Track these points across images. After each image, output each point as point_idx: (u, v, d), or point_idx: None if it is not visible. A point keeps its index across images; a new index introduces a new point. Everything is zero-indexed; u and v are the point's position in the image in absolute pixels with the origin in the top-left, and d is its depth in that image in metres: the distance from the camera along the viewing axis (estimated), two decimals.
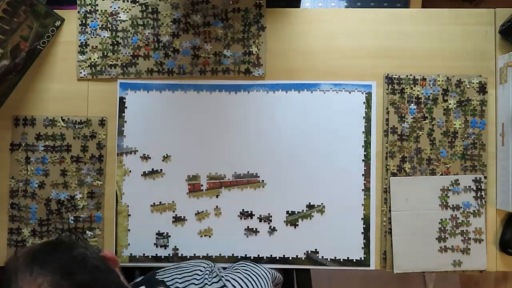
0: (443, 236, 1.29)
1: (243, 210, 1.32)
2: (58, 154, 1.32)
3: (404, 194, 1.30)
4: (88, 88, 1.34)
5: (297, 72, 1.34)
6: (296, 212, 1.31)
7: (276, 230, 1.31)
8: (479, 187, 1.30)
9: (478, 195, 1.30)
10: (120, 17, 1.33)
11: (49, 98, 1.34)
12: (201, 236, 1.32)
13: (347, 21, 1.35)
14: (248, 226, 1.31)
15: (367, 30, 1.35)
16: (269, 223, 1.31)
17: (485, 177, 1.31)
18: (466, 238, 1.29)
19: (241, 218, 1.32)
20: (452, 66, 1.34)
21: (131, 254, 1.31)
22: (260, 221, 1.31)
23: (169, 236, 1.31)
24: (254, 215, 1.31)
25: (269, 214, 1.32)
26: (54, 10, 1.32)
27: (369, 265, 1.31)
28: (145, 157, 1.32)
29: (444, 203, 1.30)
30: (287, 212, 1.31)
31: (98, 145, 1.32)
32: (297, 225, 1.31)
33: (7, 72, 1.28)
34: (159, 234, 1.32)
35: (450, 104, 1.31)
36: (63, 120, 1.32)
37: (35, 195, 1.31)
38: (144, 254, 1.31)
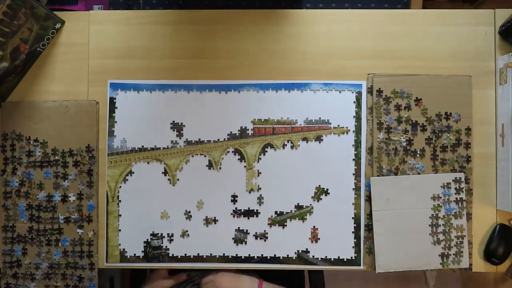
0: (426, 235, 1.28)
1: (236, 208, 1.32)
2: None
3: (385, 194, 1.28)
4: (88, 90, 1.36)
5: (296, 73, 1.33)
6: (284, 213, 1.31)
7: (266, 230, 1.31)
8: (459, 187, 1.29)
9: (459, 198, 1.29)
10: None
11: (48, 99, 1.36)
12: (193, 236, 1.32)
13: (348, 22, 1.35)
14: (239, 227, 1.31)
15: (368, 31, 1.34)
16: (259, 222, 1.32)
17: (467, 178, 1.30)
18: (449, 237, 1.28)
19: (233, 216, 1.31)
20: (452, 67, 1.32)
21: (121, 254, 1.32)
22: (248, 218, 1.32)
23: (163, 236, 1.32)
24: (244, 215, 1.32)
25: (257, 210, 1.32)
26: (55, 11, 1.34)
27: (360, 265, 1.30)
28: (135, 157, 1.33)
29: (426, 202, 1.29)
30: (276, 212, 1.31)
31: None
32: (285, 225, 1.31)
33: (6, 74, 1.31)
34: (154, 234, 1.32)
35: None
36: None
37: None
38: (135, 254, 1.32)
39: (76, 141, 1.33)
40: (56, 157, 1.33)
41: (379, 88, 1.30)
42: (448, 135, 1.30)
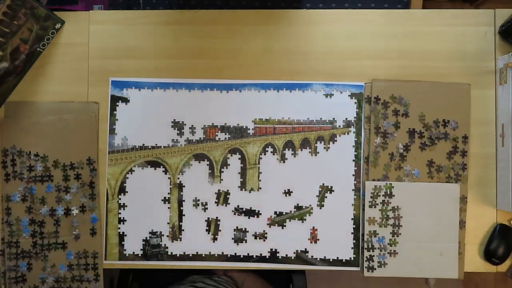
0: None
1: (237, 206, 1.32)
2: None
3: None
4: (88, 90, 1.35)
5: (297, 73, 1.33)
6: (284, 213, 1.31)
7: (266, 230, 1.31)
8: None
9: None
10: None
11: (48, 100, 1.35)
12: (191, 235, 1.32)
13: (348, 22, 1.35)
14: (237, 226, 1.31)
15: (367, 31, 1.34)
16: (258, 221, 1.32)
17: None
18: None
19: (234, 214, 1.31)
20: (452, 67, 1.32)
21: (121, 252, 1.32)
22: (249, 218, 1.31)
23: (162, 235, 1.32)
24: (245, 214, 1.32)
25: (258, 211, 1.32)
26: (55, 11, 1.34)
27: (358, 266, 1.30)
28: (136, 155, 1.32)
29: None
30: (275, 212, 1.31)
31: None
32: (285, 225, 1.31)
33: (6, 74, 1.30)
34: (153, 233, 1.32)
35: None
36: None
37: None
38: (134, 252, 1.32)
39: (76, 154, 1.33)
40: (57, 171, 1.33)
41: (377, 95, 1.31)
42: (446, 142, 1.30)
